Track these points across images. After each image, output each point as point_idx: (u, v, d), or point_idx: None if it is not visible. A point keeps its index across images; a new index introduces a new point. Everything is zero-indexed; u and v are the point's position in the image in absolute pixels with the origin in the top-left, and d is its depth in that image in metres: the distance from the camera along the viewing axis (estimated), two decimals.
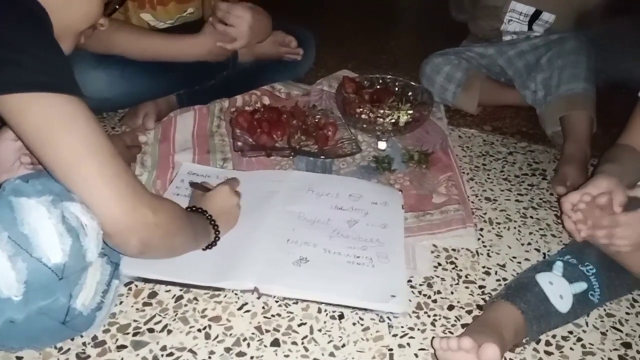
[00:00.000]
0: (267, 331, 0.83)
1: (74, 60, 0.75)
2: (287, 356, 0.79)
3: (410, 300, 0.90)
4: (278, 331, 0.83)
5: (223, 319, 0.84)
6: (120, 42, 1.19)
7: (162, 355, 0.77)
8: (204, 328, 0.82)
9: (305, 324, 0.85)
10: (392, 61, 1.96)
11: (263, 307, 0.87)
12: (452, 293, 0.93)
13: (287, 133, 1.30)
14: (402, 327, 0.85)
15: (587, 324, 0.89)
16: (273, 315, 0.85)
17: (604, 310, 0.92)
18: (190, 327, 0.82)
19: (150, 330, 0.81)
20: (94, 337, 0.79)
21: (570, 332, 0.87)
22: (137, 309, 0.84)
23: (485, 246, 1.05)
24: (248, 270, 0.89)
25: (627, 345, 0.86)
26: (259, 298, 0.88)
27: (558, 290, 0.84)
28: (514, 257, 1.03)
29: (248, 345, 0.80)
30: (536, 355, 0.83)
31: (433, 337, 0.78)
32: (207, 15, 1.37)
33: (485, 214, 1.15)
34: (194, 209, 0.90)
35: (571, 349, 0.85)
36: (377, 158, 1.27)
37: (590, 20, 1.61)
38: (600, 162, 1.02)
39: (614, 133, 1.09)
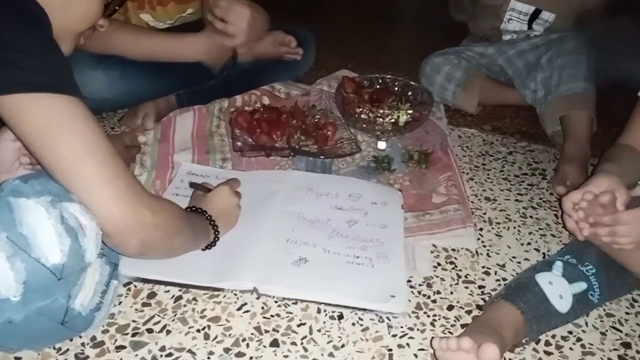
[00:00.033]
0: (267, 331, 0.83)
1: (73, 61, 0.75)
2: (286, 356, 0.79)
3: (409, 301, 0.90)
4: (277, 331, 0.83)
5: (222, 319, 0.84)
6: (119, 42, 1.19)
7: (161, 356, 0.77)
8: (203, 328, 0.82)
9: (304, 324, 0.85)
10: (392, 61, 1.96)
11: (262, 308, 0.86)
12: (451, 293, 0.93)
13: (286, 133, 1.30)
14: (401, 327, 0.85)
15: (586, 324, 0.89)
16: (272, 316, 0.85)
17: (604, 310, 0.92)
18: (190, 328, 0.82)
19: (149, 331, 0.81)
20: (93, 338, 0.79)
21: (570, 332, 0.87)
22: (136, 310, 0.84)
23: (484, 246, 1.05)
24: (247, 271, 0.89)
25: (626, 345, 0.86)
26: (258, 298, 0.88)
27: (558, 290, 0.84)
28: (514, 257, 1.03)
29: (247, 345, 0.80)
30: (536, 355, 0.83)
31: (432, 338, 0.78)
32: (207, 15, 1.37)
33: (485, 213, 1.15)
34: (193, 209, 0.90)
35: (571, 349, 0.84)
36: (376, 158, 1.26)
37: (590, 20, 1.61)
38: (600, 161, 1.02)
39: (614, 133, 1.09)
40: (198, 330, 0.82)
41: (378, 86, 1.43)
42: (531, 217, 1.15)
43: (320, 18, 2.34)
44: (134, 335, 0.80)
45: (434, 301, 0.91)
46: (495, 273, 0.98)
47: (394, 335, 0.84)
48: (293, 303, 0.88)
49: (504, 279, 0.97)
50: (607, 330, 0.88)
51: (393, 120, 1.27)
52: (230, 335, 0.82)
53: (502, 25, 1.64)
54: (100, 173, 0.68)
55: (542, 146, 1.44)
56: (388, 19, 2.52)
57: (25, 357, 0.75)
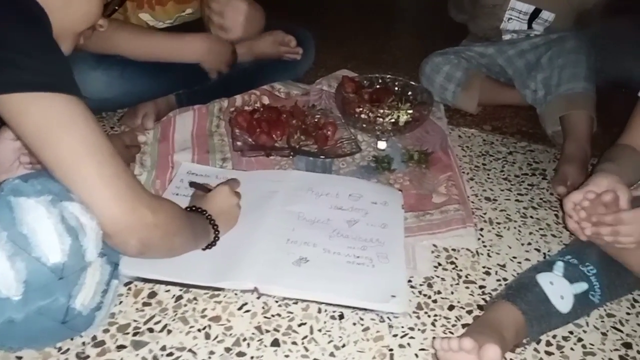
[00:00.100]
0: (267, 331, 0.83)
1: (73, 61, 0.74)
2: (287, 356, 0.79)
3: (410, 301, 0.90)
4: (278, 331, 0.83)
5: (223, 319, 0.84)
6: (119, 42, 1.19)
7: (162, 355, 0.77)
8: (204, 328, 0.82)
9: (305, 324, 0.84)
10: (392, 61, 1.96)
11: (263, 307, 0.86)
12: (452, 293, 0.93)
13: (286, 133, 1.29)
14: (402, 327, 0.85)
15: (587, 324, 0.89)
16: (273, 315, 0.85)
17: (605, 310, 0.92)
18: (190, 327, 0.82)
19: (150, 330, 0.81)
20: (94, 337, 0.79)
21: (571, 332, 0.87)
22: (136, 309, 0.84)
23: (485, 246, 1.05)
24: (248, 270, 0.89)
25: (627, 346, 0.86)
26: (258, 298, 0.88)
27: (559, 290, 0.83)
28: (514, 257, 1.03)
29: (248, 345, 0.80)
30: (537, 356, 0.83)
31: (434, 338, 0.78)
32: (205, 9, 1.37)
33: (485, 213, 1.15)
34: (193, 208, 0.90)
35: (572, 349, 0.84)
36: (376, 158, 1.26)
37: (590, 20, 1.62)
38: (600, 161, 1.02)
39: (614, 133, 1.09)
40: (199, 330, 0.82)
41: (378, 86, 1.43)
42: (531, 217, 1.15)
43: (320, 18, 2.34)
44: (134, 334, 0.80)
45: (435, 301, 0.91)
46: (496, 273, 0.98)
47: (395, 335, 0.84)
48: (294, 303, 0.88)
49: (505, 279, 0.97)
50: (608, 331, 0.88)
51: (393, 120, 1.27)
52: (231, 334, 0.81)
53: (502, 25, 1.64)
54: (100, 173, 0.68)
55: (542, 146, 1.44)
56: (388, 19, 2.52)
57: (26, 356, 0.75)
